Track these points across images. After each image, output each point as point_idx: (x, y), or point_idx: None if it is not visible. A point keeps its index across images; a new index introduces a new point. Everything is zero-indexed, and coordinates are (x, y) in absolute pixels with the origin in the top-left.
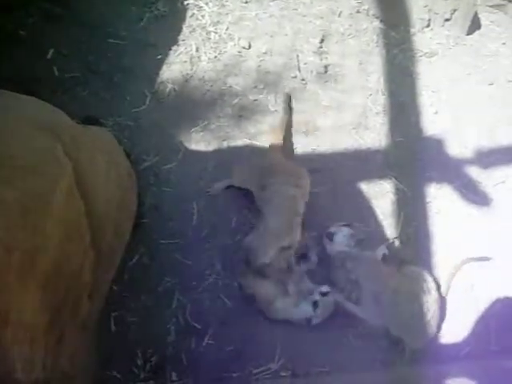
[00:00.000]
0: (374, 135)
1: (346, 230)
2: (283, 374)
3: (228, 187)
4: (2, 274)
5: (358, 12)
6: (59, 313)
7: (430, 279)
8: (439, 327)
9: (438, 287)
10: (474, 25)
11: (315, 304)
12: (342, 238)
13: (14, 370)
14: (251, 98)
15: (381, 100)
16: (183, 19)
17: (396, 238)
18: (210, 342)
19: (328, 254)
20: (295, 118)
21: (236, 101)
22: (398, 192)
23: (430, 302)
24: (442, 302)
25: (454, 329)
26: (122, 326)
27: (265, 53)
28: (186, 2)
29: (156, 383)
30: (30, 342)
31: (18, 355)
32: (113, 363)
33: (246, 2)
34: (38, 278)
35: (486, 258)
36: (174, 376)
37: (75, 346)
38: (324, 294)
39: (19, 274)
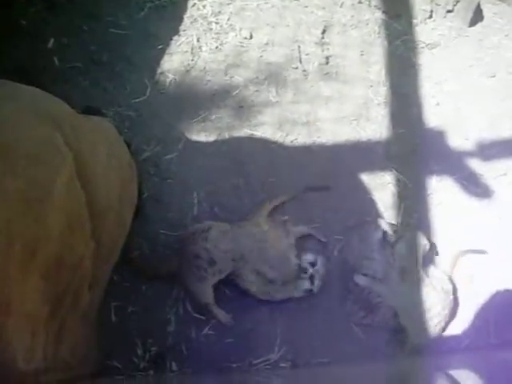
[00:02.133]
0: (375, 127)
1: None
2: (283, 364)
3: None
4: (3, 264)
5: (359, 3)
6: (60, 303)
7: (446, 279)
8: (444, 328)
9: (455, 290)
10: (477, 16)
11: (311, 278)
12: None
13: (15, 359)
14: (252, 88)
15: (382, 91)
16: (184, 9)
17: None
18: (209, 332)
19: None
20: (297, 109)
21: (237, 91)
22: (399, 184)
23: (443, 302)
24: (455, 305)
25: (454, 321)
26: (123, 316)
27: (266, 43)
28: None
29: (156, 373)
30: (31, 332)
31: (18, 345)
32: (113, 353)
33: None
34: (39, 269)
35: (483, 251)
36: (174, 366)
37: (76, 336)
38: (313, 264)
39: (20, 265)
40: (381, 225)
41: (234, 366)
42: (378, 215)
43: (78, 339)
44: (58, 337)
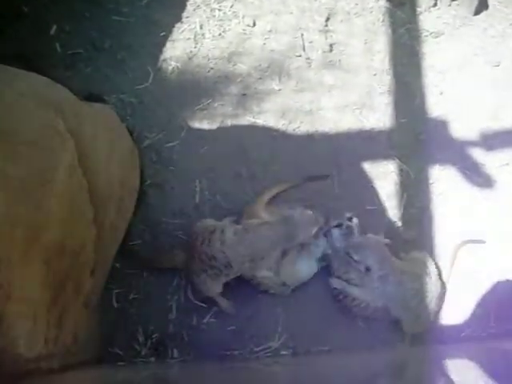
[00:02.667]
0: (378, 115)
1: (337, 231)
2: (284, 352)
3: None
4: (6, 249)
5: None
6: (62, 289)
7: (432, 264)
8: (438, 314)
9: (440, 273)
10: (482, 5)
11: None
12: (339, 237)
13: (17, 344)
14: (255, 76)
15: (386, 80)
16: None
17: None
18: (211, 319)
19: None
20: (300, 97)
21: (240, 79)
22: (402, 173)
23: (431, 287)
24: (443, 288)
25: (454, 311)
26: (124, 303)
27: (269, 31)
28: None
29: (157, 360)
30: (33, 317)
31: (20, 330)
32: (114, 340)
33: None
34: (41, 254)
35: (484, 241)
36: (175, 353)
37: (77, 322)
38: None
39: (22, 250)
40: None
41: (236, 353)
42: (380, 204)
43: (79, 325)
44: (59, 323)
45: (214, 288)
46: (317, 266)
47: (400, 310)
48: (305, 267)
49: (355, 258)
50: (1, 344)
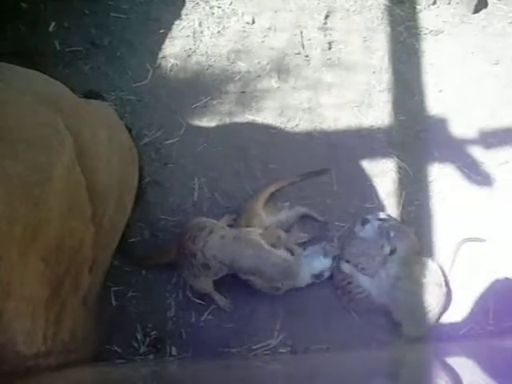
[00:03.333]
0: (377, 113)
1: (375, 223)
2: (282, 350)
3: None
4: (4, 246)
5: None
6: (60, 286)
7: (440, 272)
8: (439, 318)
9: (447, 281)
10: (481, 3)
11: (334, 258)
12: (369, 229)
13: (15, 342)
14: (254, 74)
15: (385, 78)
16: None
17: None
18: (209, 317)
19: (354, 234)
20: (299, 94)
21: (239, 77)
22: (400, 171)
23: (437, 295)
24: (448, 296)
25: (453, 309)
26: (123, 300)
27: (269, 28)
28: None
29: (155, 358)
30: (31, 314)
31: (19, 327)
32: (113, 337)
33: None
34: (40, 252)
35: (483, 240)
36: (173, 351)
37: (76, 320)
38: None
39: (21, 247)
40: (376, 216)
41: (234, 351)
42: (378, 202)
43: (77, 323)
44: (58, 320)
45: (202, 285)
46: (311, 280)
47: (402, 314)
48: (300, 275)
49: (391, 234)
50: (0, 341)
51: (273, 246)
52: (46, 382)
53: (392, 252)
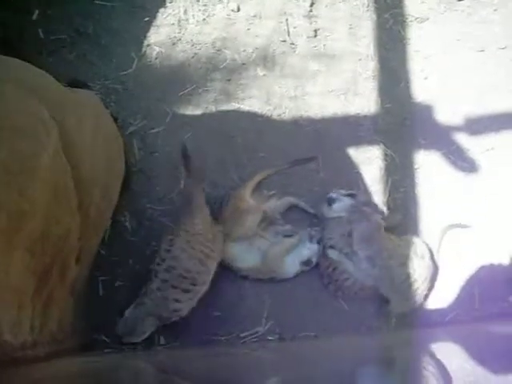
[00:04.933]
0: (363, 101)
1: (347, 201)
2: (270, 337)
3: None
4: None
5: None
6: (47, 276)
7: (424, 246)
8: (427, 295)
9: (432, 255)
10: None
11: (318, 241)
12: (341, 207)
13: (2, 332)
14: (240, 61)
15: (370, 65)
16: None
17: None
18: (197, 306)
19: (323, 216)
20: (285, 82)
21: (224, 65)
22: (387, 158)
23: (423, 269)
24: (435, 270)
25: (439, 295)
26: (110, 290)
27: (254, 16)
28: None
29: (144, 347)
30: (18, 305)
31: (5, 318)
32: (101, 327)
33: None
34: (25, 241)
35: (468, 226)
36: (161, 340)
37: (63, 310)
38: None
39: (5, 237)
40: (339, 193)
41: (222, 338)
42: (365, 189)
43: (65, 312)
44: (45, 310)
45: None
46: (300, 268)
47: (388, 290)
48: (288, 263)
49: (347, 227)
50: None
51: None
52: (34, 372)
53: (349, 234)
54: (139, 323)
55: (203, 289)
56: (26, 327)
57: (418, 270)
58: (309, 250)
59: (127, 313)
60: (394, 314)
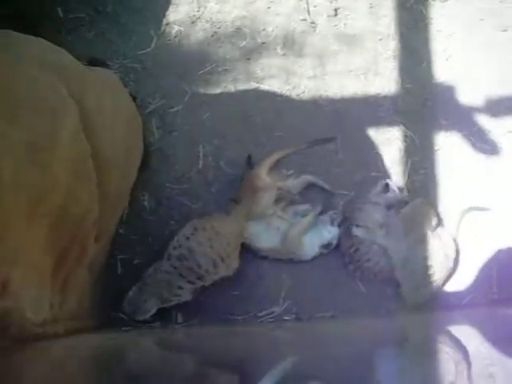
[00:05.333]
0: (384, 81)
1: (397, 193)
2: (287, 317)
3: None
4: (10, 213)
5: None
6: (66, 254)
7: (452, 245)
8: (440, 288)
9: (458, 254)
10: None
11: (339, 225)
12: (389, 198)
13: (23, 309)
14: (259, 40)
15: (391, 45)
16: None
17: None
18: (215, 285)
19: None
20: (304, 62)
21: (244, 43)
22: (407, 139)
23: (443, 266)
24: (454, 268)
25: (457, 278)
26: (129, 268)
27: None
28: None
29: (162, 325)
30: (38, 282)
31: (26, 295)
32: (119, 305)
33: None
34: (46, 220)
35: (488, 209)
36: (179, 318)
37: (82, 288)
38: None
39: (27, 215)
40: (387, 183)
41: (239, 318)
42: (384, 171)
43: (84, 291)
44: (64, 288)
45: None
46: (319, 251)
47: (403, 275)
48: (307, 246)
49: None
50: (8, 306)
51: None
52: (53, 348)
53: (386, 189)
54: (141, 303)
55: (207, 284)
56: (46, 304)
57: (439, 267)
58: (329, 234)
59: (131, 293)
60: (407, 302)
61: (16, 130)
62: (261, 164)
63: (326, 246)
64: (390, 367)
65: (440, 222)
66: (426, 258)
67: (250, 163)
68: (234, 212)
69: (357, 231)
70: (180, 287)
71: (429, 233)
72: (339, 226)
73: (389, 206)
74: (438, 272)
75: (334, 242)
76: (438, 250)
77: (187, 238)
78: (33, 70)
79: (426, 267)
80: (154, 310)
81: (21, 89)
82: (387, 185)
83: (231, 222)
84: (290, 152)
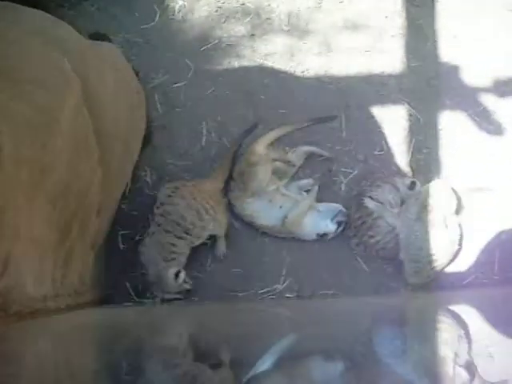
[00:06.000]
0: (389, 59)
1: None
2: (288, 295)
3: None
4: (11, 189)
5: None
6: (68, 229)
7: (458, 230)
8: (441, 270)
9: (462, 240)
10: None
11: (339, 224)
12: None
13: (24, 283)
14: (264, 16)
15: (397, 22)
16: None
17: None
18: (216, 262)
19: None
20: (308, 38)
21: (248, 19)
22: (411, 118)
23: (448, 251)
24: (457, 253)
25: (458, 258)
26: (130, 244)
27: None
28: None
29: (162, 301)
30: (40, 257)
31: (27, 269)
32: (120, 281)
33: None
34: (47, 195)
35: (491, 189)
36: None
37: (84, 263)
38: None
39: (28, 190)
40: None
41: (240, 295)
42: (388, 149)
43: (86, 266)
44: (66, 263)
45: None
46: (316, 237)
47: (407, 255)
48: (306, 230)
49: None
50: (9, 283)
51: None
52: (55, 322)
53: (412, 186)
54: (163, 274)
55: (198, 242)
56: (47, 279)
57: (443, 251)
58: (326, 227)
59: (150, 269)
60: (409, 283)
61: (18, 104)
62: (256, 141)
63: (321, 235)
64: (391, 344)
65: (460, 208)
66: (432, 243)
67: (249, 131)
68: (213, 173)
69: (369, 203)
70: (172, 244)
71: (443, 218)
72: (339, 225)
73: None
74: (441, 257)
75: (330, 236)
76: (443, 235)
77: (169, 196)
78: (35, 44)
79: (431, 252)
80: (182, 276)
81: (24, 63)
82: (414, 183)
83: (211, 181)
84: (292, 130)
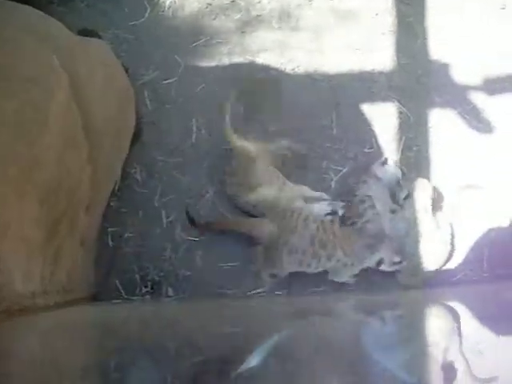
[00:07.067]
0: (379, 56)
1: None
2: (278, 292)
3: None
4: (0, 186)
5: None
6: (57, 227)
7: (449, 230)
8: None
9: (453, 239)
10: None
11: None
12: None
13: (13, 281)
14: (254, 13)
15: (388, 20)
16: None
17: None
18: (205, 258)
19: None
20: (299, 35)
21: (239, 16)
22: (401, 116)
23: (440, 252)
24: (451, 254)
25: None
26: (120, 241)
27: None
28: None
29: (152, 298)
30: (29, 254)
31: (15, 267)
32: (109, 278)
33: None
34: (36, 192)
35: (480, 187)
36: (170, 291)
37: (73, 260)
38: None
39: (16, 188)
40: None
41: (230, 292)
42: (378, 147)
43: (75, 263)
44: (55, 260)
45: None
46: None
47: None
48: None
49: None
50: None
51: None
52: (43, 320)
53: (407, 197)
54: None
55: None
56: (36, 276)
57: (435, 253)
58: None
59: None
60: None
61: (5, 100)
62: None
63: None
64: (381, 340)
65: (439, 204)
66: (421, 244)
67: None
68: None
69: (358, 204)
70: None
71: (426, 215)
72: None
73: (390, 188)
74: (433, 260)
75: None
76: (434, 236)
77: None
78: (24, 40)
79: (422, 254)
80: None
81: (12, 59)
82: (385, 159)
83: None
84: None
